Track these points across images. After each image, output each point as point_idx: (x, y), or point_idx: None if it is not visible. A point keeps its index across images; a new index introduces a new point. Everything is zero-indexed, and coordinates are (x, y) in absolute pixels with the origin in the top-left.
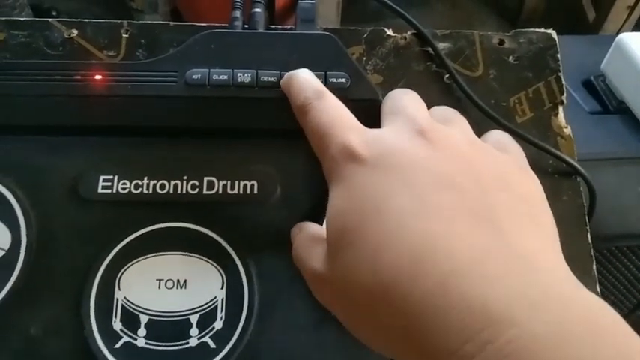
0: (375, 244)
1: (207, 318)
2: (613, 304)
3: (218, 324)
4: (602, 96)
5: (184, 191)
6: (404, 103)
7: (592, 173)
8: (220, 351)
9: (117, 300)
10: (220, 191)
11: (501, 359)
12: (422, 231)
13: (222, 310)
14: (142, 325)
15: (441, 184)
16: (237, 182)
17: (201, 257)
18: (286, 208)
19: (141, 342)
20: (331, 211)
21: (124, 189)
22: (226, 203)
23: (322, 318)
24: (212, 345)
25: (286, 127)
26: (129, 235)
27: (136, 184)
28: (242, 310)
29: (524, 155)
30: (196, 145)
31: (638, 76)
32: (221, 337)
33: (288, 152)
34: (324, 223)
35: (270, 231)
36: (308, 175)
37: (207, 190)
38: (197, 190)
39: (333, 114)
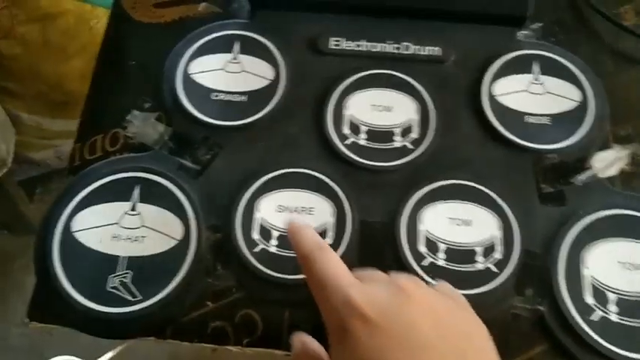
0: None
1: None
2: None
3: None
4: None
5: (388, 50)
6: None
7: None
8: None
9: (345, 115)
10: (413, 52)
11: None
12: None
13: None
14: None
15: (430, 348)
16: (425, 46)
17: None
18: (461, 68)
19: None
20: None
21: (348, 46)
22: (416, 60)
23: None
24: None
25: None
26: (352, 76)
27: (357, 43)
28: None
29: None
30: (395, 22)
31: None
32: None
33: (459, 29)
34: None
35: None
36: (474, 44)
37: (404, 50)
38: (397, 49)
39: (335, 267)
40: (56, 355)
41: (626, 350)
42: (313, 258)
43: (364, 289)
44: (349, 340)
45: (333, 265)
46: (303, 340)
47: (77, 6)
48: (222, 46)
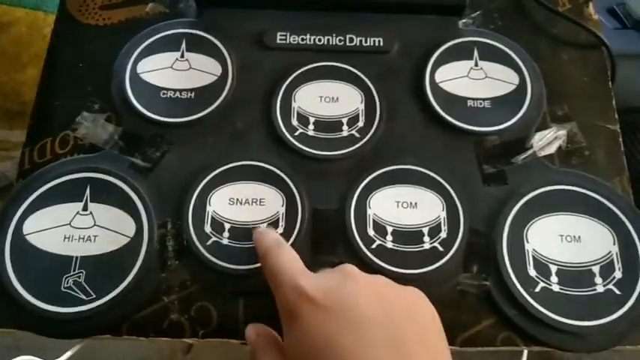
0: None
1: None
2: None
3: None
4: (622, 17)
5: (333, 43)
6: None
7: (617, 63)
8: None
9: (294, 108)
10: (357, 43)
11: None
12: None
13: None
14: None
15: (370, 322)
16: (368, 37)
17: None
18: (404, 57)
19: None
20: (289, 344)
21: (293, 40)
22: (360, 52)
23: None
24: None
25: (398, 3)
26: (299, 69)
27: (302, 37)
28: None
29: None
30: (338, 15)
31: None
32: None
33: (401, 19)
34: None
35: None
36: (415, 34)
37: (348, 42)
38: (342, 42)
39: (288, 259)
40: (16, 356)
41: (567, 318)
42: (270, 252)
43: (312, 276)
44: (299, 322)
45: (286, 258)
46: (256, 329)
47: (29, 14)
48: (169, 44)
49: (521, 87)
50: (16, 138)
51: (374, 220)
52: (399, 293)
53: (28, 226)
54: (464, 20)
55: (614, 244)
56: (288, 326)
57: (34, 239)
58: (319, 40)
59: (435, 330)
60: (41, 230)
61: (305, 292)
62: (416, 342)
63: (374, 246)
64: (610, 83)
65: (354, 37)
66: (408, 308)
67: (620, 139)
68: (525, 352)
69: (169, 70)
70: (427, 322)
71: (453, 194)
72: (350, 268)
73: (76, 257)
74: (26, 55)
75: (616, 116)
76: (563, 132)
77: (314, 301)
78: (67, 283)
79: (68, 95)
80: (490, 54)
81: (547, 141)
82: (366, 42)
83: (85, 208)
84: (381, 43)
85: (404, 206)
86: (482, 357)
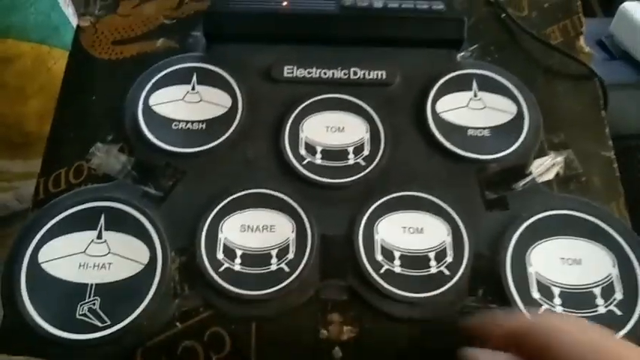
0: None
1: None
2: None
3: None
4: (610, 49)
5: (338, 76)
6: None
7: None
8: None
9: (301, 138)
10: (361, 76)
11: None
12: None
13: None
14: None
15: None
16: (372, 71)
17: None
18: (406, 89)
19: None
20: None
21: (300, 73)
22: (364, 84)
23: None
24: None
25: (399, 37)
26: (306, 101)
27: (308, 70)
28: None
29: None
30: (343, 49)
31: (636, 31)
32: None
33: (403, 53)
34: None
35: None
36: (416, 67)
37: (352, 75)
38: (347, 75)
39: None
40: None
41: None
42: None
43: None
44: None
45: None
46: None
47: (34, 48)
48: (180, 78)
49: (518, 116)
50: (18, 169)
51: (382, 246)
52: None
53: (44, 255)
54: (462, 53)
55: (613, 266)
56: None
57: (49, 267)
58: (325, 73)
59: None
60: (56, 258)
61: None
62: None
63: (382, 271)
64: (603, 112)
65: (358, 70)
66: None
67: (615, 165)
68: None
69: (181, 103)
70: None
71: (458, 219)
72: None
73: (91, 284)
74: (30, 88)
75: (610, 143)
76: (560, 159)
77: None
78: (82, 310)
79: (82, 127)
80: (488, 85)
81: (545, 168)
82: (369, 75)
83: (99, 237)
84: (384, 76)
85: (410, 231)
86: None
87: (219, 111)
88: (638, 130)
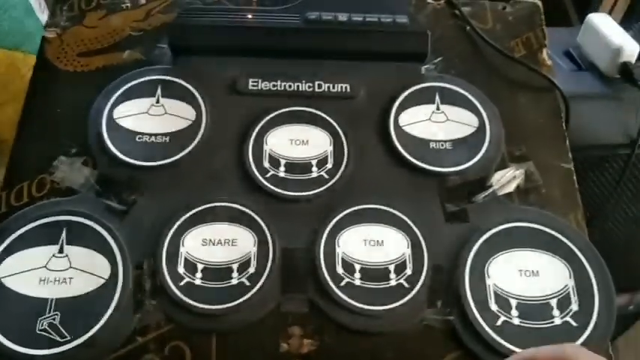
0: None
1: None
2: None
3: None
4: (577, 60)
5: (302, 89)
6: None
7: (572, 104)
8: None
9: (265, 151)
10: (326, 89)
11: None
12: None
13: None
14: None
15: None
16: (336, 84)
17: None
18: (370, 102)
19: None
20: None
21: (265, 86)
22: (328, 97)
23: None
24: None
25: (364, 51)
26: (270, 113)
27: (273, 83)
28: None
29: None
30: (308, 62)
31: (602, 43)
32: None
33: (367, 66)
34: None
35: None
36: (380, 80)
37: (317, 88)
38: (311, 88)
39: None
40: None
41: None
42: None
43: None
44: None
45: None
46: None
47: (8, 55)
48: (145, 90)
49: (480, 129)
50: None
51: (342, 259)
52: None
53: (4, 269)
54: (426, 66)
55: (570, 277)
56: None
57: (9, 282)
58: (289, 86)
59: None
60: (17, 273)
61: None
62: None
63: (343, 283)
64: (564, 124)
65: (322, 83)
66: None
67: (574, 177)
68: None
69: (145, 115)
70: None
71: (417, 232)
72: None
73: (51, 299)
74: (4, 95)
75: (570, 155)
76: (521, 171)
77: None
78: (42, 325)
79: (45, 139)
80: (451, 98)
81: (506, 180)
82: (333, 88)
83: (60, 251)
84: (348, 89)
85: (371, 244)
86: None
87: (184, 124)
88: (604, 141)
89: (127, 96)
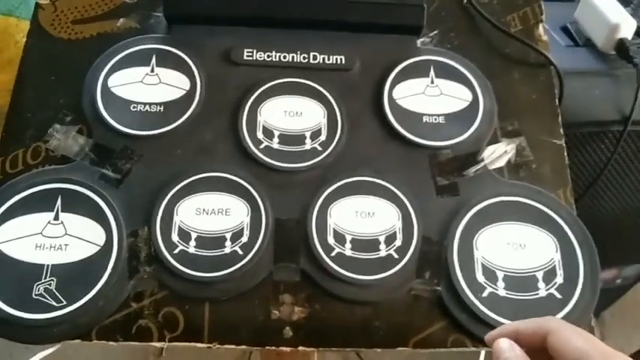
0: None
1: None
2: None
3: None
4: (574, 35)
5: (297, 60)
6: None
7: (567, 80)
8: None
9: (259, 122)
10: (320, 61)
11: None
12: None
13: None
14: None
15: None
16: (331, 55)
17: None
18: (364, 75)
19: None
20: None
21: (259, 57)
22: (323, 69)
23: None
24: None
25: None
26: (265, 84)
27: (268, 54)
28: None
29: None
30: (303, 33)
31: (599, 19)
32: None
33: (363, 38)
34: None
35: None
36: (376, 52)
37: (312, 59)
38: (306, 59)
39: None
40: None
41: (512, 320)
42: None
43: None
44: None
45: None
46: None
47: (2, 20)
48: (140, 59)
49: (473, 103)
50: None
51: (334, 229)
52: None
53: (0, 236)
54: (422, 39)
55: (556, 251)
56: None
57: (6, 248)
58: (284, 57)
59: None
60: (13, 239)
61: None
62: None
63: (334, 254)
64: (557, 101)
65: (318, 54)
66: None
67: (565, 154)
68: (483, 353)
69: (140, 85)
70: None
71: (408, 205)
72: None
73: (47, 265)
74: None
75: (561, 132)
76: (512, 146)
77: None
78: (38, 291)
79: (40, 107)
80: (445, 72)
81: (497, 155)
82: (328, 59)
83: (56, 218)
84: (343, 61)
85: (362, 216)
86: (436, 358)
87: (178, 93)
88: (599, 118)
89: (121, 65)
